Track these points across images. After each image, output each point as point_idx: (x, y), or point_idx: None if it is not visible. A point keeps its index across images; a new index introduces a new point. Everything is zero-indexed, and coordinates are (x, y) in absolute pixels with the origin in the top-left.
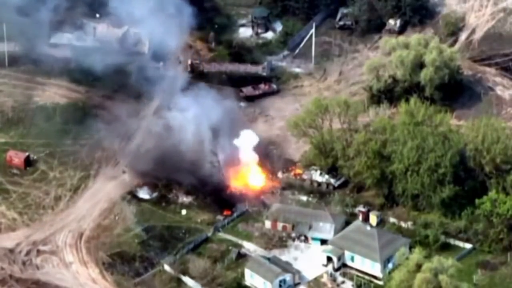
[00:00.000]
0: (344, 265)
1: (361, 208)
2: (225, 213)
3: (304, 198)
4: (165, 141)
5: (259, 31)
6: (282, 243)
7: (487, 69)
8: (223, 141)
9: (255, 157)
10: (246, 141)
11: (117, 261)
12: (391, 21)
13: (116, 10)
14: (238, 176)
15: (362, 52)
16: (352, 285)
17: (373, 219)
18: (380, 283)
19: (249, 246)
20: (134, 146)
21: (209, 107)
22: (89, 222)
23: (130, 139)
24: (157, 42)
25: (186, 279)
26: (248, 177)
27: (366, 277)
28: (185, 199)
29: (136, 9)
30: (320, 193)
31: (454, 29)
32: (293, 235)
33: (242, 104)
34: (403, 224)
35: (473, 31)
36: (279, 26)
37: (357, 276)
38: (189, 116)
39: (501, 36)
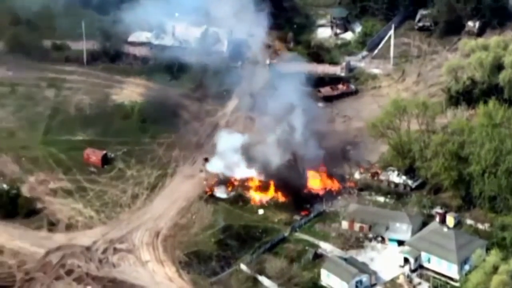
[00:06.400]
0: (421, 267)
1: (438, 209)
2: (302, 213)
3: (381, 199)
4: None
5: (338, 31)
6: (358, 244)
7: None
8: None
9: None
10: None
11: (193, 260)
12: (470, 23)
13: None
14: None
15: (441, 54)
16: (429, 287)
17: (450, 220)
18: (457, 284)
19: (325, 246)
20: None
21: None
22: (166, 220)
23: (207, 138)
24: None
25: (262, 278)
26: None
27: (443, 278)
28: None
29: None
30: (397, 194)
31: None
32: (370, 235)
33: (320, 104)
34: (480, 226)
35: None
36: (358, 27)
37: (434, 277)
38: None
39: None
